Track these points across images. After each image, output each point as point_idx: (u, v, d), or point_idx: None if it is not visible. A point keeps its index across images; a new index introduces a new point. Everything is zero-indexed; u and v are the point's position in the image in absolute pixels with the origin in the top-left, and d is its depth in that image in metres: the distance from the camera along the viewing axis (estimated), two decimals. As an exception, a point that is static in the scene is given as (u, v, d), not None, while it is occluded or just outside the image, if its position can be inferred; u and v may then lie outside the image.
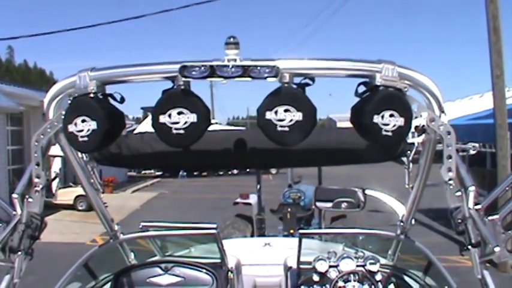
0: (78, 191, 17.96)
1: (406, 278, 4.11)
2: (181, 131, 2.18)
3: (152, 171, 37.86)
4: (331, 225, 8.68)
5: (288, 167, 9.39)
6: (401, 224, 3.83)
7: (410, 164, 3.21)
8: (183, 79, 2.17)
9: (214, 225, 4.07)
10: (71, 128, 2.25)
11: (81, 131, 2.24)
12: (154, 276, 4.14)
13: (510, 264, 11.12)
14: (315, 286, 4.04)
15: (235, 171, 36.09)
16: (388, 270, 4.19)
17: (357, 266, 4.08)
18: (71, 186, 18.32)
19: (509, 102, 13.51)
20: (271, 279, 5.51)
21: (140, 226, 4.33)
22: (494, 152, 13.10)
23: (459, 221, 2.57)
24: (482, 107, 21.34)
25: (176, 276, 4.12)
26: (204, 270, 4.17)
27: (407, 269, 4.20)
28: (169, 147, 2.33)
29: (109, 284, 4.13)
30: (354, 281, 3.97)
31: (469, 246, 2.54)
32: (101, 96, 2.31)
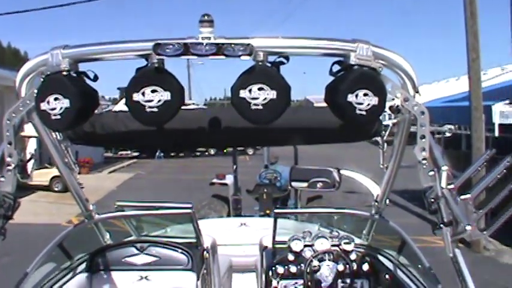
0: (54, 172, 17.77)
1: (380, 257, 4.16)
2: (155, 109, 2.17)
3: (129, 152, 37.70)
4: (307, 206, 8.74)
5: (263, 145, 9.40)
6: (376, 204, 3.87)
7: (385, 144, 3.23)
8: (157, 57, 2.15)
9: (189, 205, 4.07)
10: (44, 106, 2.23)
11: (54, 109, 2.21)
12: (130, 256, 4.13)
13: (483, 244, 11.31)
14: (290, 265, 4.06)
15: (212, 152, 36.12)
16: (362, 250, 4.23)
17: (332, 245, 4.11)
18: (46, 168, 18.18)
19: (484, 85, 13.66)
20: (247, 259, 5.53)
21: (115, 206, 4.32)
22: (469, 134, 13.24)
23: (432, 200, 2.60)
24: (459, 90, 21.58)
25: (151, 256, 4.12)
26: (180, 250, 4.17)
27: (382, 248, 4.25)
28: (144, 126, 2.32)
29: (84, 264, 4.11)
30: (329, 260, 3.99)
31: (441, 225, 2.58)
32: (73, 74, 2.28)
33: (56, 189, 19.77)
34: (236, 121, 2.42)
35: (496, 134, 15.14)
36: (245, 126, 2.38)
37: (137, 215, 4.63)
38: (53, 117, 2.22)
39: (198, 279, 4.13)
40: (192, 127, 2.95)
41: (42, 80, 2.28)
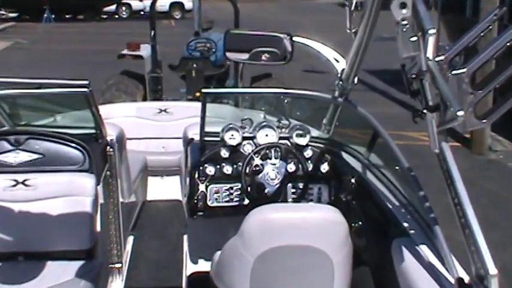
0: None
1: (345, 155, 4.20)
2: None
3: (3, 12, 36.31)
4: (250, 86, 8.76)
5: None
6: (341, 83, 3.84)
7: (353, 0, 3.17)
8: None
9: (85, 82, 3.98)
10: None
11: None
12: (1, 153, 4.08)
13: (488, 144, 11.45)
14: (223, 164, 4.06)
15: (124, 15, 35.42)
16: (321, 145, 4.26)
17: (280, 138, 4.12)
18: None
19: None
20: (167, 158, 5.55)
21: None
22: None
23: (413, 76, 2.60)
24: None
25: (32, 152, 4.07)
26: (73, 144, 4.13)
27: (347, 143, 4.29)
28: None
29: None
30: (275, 158, 4.01)
31: (425, 111, 2.58)
32: None
33: None
34: None
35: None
36: None
37: (8, 96, 4.51)
38: None
39: (98, 184, 4.13)
40: None
41: None
